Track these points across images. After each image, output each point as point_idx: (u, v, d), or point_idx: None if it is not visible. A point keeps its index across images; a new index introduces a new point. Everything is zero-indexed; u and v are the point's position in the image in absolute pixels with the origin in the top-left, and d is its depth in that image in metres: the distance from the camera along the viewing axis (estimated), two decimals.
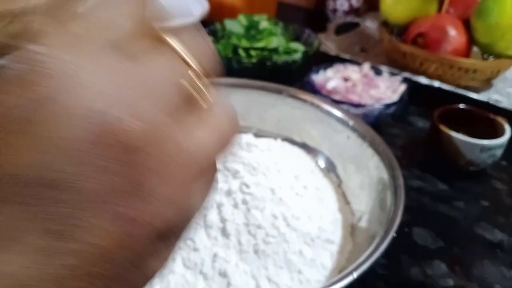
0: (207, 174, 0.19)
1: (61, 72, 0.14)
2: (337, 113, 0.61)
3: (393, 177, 0.49)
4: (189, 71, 0.17)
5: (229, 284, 0.45)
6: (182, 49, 0.17)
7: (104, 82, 0.15)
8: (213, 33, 0.88)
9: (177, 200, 0.17)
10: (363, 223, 0.51)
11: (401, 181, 0.48)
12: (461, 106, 0.70)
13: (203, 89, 0.18)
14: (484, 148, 0.62)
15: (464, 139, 0.63)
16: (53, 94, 0.14)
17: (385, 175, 0.51)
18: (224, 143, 0.19)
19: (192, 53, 0.18)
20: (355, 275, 0.37)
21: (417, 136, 0.77)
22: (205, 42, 0.19)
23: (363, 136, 0.57)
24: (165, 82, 0.16)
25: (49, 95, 0.14)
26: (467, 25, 0.87)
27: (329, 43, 1.04)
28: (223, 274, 0.45)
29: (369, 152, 0.55)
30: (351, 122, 0.59)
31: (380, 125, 0.72)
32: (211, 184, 0.20)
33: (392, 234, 0.40)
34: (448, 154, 0.65)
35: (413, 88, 0.77)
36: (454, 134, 0.63)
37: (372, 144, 0.55)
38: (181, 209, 0.18)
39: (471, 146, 0.63)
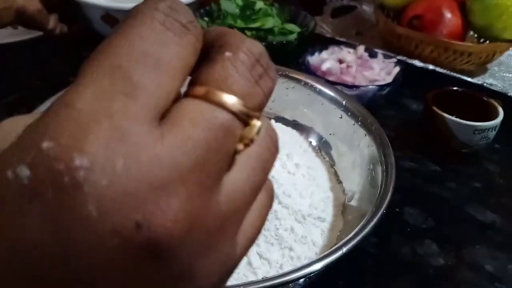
0: (258, 202, 0.18)
1: (89, 181, 0.13)
2: (330, 92, 0.61)
3: (384, 155, 0.50)
4: (237, 124, 0.16)
5: None
6: (234, 102, 0.16)
7: (132, 180, 0.14)
8: (208, 14, 0.87)
9: (223, 268, 0.17)
10: (354, 202, 0.51)
11: (392, 159, 0.48)
12: (455, 88, 0.70)
13: (250, 135, 0.17)
14: (477, 130, 0.62)
15: (457, 120, 0.63)
16: (76, 202, 0.13)
17: (376, 153, 0.51)
18: (265, 171, 0.18)
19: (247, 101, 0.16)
20: (344, 249, 0.37)
21: (411, 119, 0.77)
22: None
23: (355, 116, 0.57)
24: (205, 153, 0.15)
25: (70, 204, 0.13)
26: (463, 8, 0.87)
27: (325, 26, 1.03)
28: None
29: (361, 131, 0.55)
30: (344, 102, 0.59)
31: (374, 107, 0.72)
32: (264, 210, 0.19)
33: (382, 211, 0.41)
34: (441, 135, 0.65)
35: (407, 71, 0.77)
36: (447, 116, 0.63)
37: (364, 123, 0.55)
38: (228, 268, 0.17)
39: (464, 128, 0.63)
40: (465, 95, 0.69)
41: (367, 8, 1.13)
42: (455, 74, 0.82)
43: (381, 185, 0.45)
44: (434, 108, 0.64)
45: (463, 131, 0.63)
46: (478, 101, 0.68)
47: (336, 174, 0.57)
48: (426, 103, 0.67)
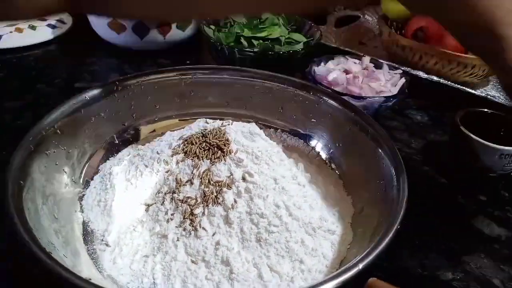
0: None
1: None
2: (339, 104, 0.61)
3: (395, 169, 0.50)
4: None
5: (231, 272, 0.45)
6: None
7: None
8: (215, 22, 0.88)
9: None
10: (365, 215, 0.51)
11: (404, 174, 0.48)
12: (485, 110, 0.67)
13: None
14: (503, 154, 0.60)
15: (484, 143, 0.60)
16: None
17: (387, 167, 0.51)
18: None
19: None
20: (360, 266, 0.37)
21: (415, 129, 0.77)
22: None
23: (365, 128, 0.57)
24: None
25: None
26: None
27: (329, 35, 1.04)
28: (226, 262, 0.45)
29: (370, 144, 0.55)
30: (353, 114, 0.59)
31: (379, 118, 0.73)
32: None
33: (396, 226, 0.41)
34: (466, 157, 0.63)
35: (411, 81, 0.77)
36: (474, 137, 0.61)
37: (374, 136, 0.55)
38: None
39: (490, 151, 0.60)
40: (495, 117, 0.67)
41: (369, 18, 1.14)
42: (459, 86, 0.83)
43: (394, 200, 0.45)
44: (462, 128, 0.62)
45: (489, 154, 0.61)
46: (508, 124, 0.66)
47: (344, 186, 0.57)
48: (454, 123, 0.64)
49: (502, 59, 0.36)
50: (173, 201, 0.50)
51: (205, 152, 0.54)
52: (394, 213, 0.43)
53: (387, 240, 0.40)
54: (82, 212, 0.52)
